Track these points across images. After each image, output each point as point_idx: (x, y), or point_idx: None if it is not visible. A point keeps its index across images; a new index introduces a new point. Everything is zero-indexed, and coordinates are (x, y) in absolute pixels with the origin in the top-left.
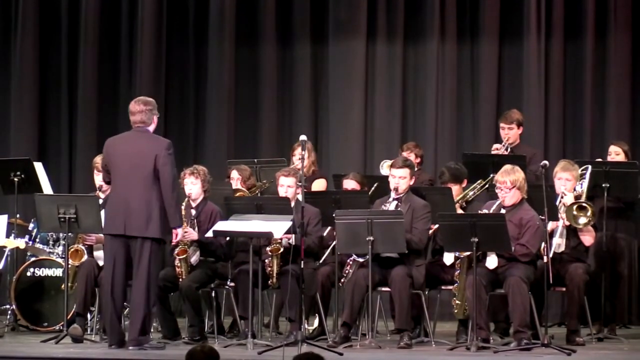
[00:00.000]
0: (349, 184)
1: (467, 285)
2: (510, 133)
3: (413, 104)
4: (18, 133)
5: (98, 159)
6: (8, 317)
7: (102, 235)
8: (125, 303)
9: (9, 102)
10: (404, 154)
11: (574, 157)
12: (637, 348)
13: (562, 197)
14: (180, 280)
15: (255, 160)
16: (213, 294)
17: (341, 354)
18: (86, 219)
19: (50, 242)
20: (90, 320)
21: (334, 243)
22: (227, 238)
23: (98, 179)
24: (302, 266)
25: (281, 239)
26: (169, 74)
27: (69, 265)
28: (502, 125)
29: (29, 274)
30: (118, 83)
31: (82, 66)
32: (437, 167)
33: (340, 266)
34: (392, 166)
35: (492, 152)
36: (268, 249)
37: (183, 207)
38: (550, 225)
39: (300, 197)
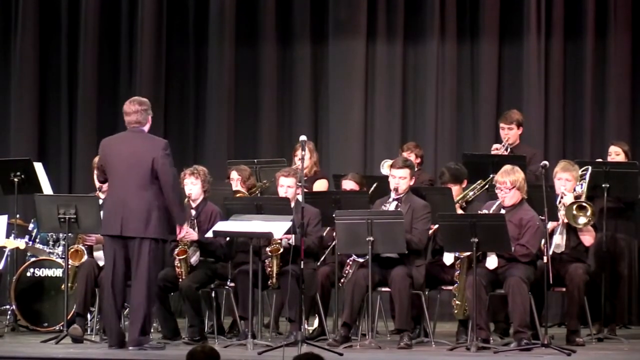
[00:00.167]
0: (348, 184)
1: (467, 286)
2: (510, 133)
3: (413, 104)
4: (18, 133)
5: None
6: (8, 317)
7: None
8: (125, 303)
9: (9, 102)
10: (404, 154)
11: (574, 157)
12: (637, 348)
13: (562, 198)
14: (180, 280)
15: (255, 160)
16: (213, 294)
17: (341, 354)
18: (86, 219)
19: (50, 243)
20: (90, 320)
21: (334, 243)
22: (227, 238)
23: None
24: (302, 266)
25: (281, 239)
26: (169, 74)
27: (69, 266)
28: (502, 125)
29: (29, 274)
30: (118, 83)
31: (82, 66)
32: (437, 167)
33: (340, 266)
34: (392, 166)
35: (492, 153)
36: (268, 249)
37: None
38: (550, 226)
39: (300, 197)
